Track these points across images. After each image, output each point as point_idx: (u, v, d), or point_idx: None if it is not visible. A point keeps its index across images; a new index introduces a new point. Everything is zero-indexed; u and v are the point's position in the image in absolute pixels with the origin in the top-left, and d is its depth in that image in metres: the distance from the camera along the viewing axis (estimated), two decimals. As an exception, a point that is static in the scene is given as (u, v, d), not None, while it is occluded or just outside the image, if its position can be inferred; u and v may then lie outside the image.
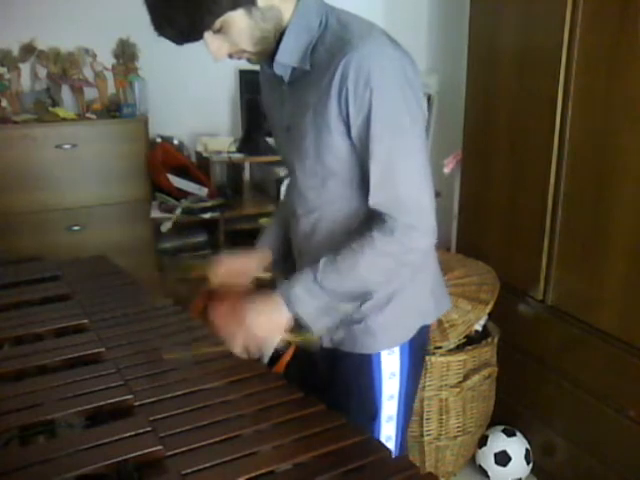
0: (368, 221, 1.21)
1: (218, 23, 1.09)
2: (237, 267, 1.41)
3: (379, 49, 1.12)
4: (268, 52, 1.19)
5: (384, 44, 1.13)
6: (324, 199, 1.26)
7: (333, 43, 1.14)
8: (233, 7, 1.07)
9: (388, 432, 1.39)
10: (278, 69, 1.20)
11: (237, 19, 1.10)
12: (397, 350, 1.34)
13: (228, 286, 1.38)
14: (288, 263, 1.44)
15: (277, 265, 1.48)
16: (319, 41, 1.17)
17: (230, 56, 1.18)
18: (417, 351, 1.39)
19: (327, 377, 1.41)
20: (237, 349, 1.23)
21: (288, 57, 1.18)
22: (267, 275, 1.43)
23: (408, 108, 1.14)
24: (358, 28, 1.15)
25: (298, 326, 1.24)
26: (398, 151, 1.15)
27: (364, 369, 1.34)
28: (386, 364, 1.34)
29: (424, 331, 1.40)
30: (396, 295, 1.29)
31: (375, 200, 1.18)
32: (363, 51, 1.10)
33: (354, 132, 1.15)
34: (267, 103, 1.36)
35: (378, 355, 1.33)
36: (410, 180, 1.17)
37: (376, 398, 1.36)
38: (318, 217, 1.29)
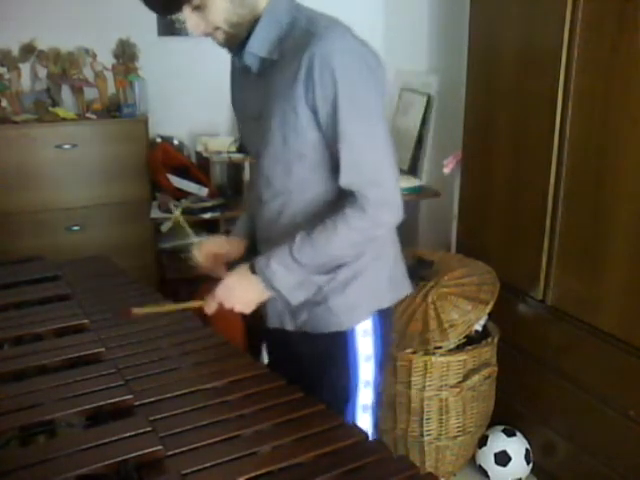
0: (340, 199, 1.27)
1: (197, 0, 1.18)
2: (216, 251, 1.50)
3: (342, 40, 1.20)
4: (239, 38, 1.26)
5: (347, 36, 1.22)
6: (290, 184, 1.32)
7: (300, 35, 1.22)
8: None
9: (363, 422, 1.42)
10: (247, 59, 1.28)
11: (216, 0, 1.19)
12: (371, 331, 1.39)
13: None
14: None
15: (250, 251, 1.52)
16: (288, 34, 1.25)
17: (207, 35, 1.26)
18: (388, 334, 1.46)
19: (301, 361, 1.45)
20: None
21: (257, 47, 1.26)
22: None
23: (370, 93, 1.23)
24: (324, 22, 1.23)
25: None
26: (364, 132, 1.23)
27: (335, 351, 1.39)
28: (362, 347, 1.39)
29: (390, 314, 1.46)
30: (355, 278, 1.35)
31: (346, 180, 1.25)
32: (327, 42, 1.18)
33: (322, 117, 1.22)
34: (235, 94, 1.44)
35: (353, 337, 1.38)
36: (378, 159, 1.25)
37: (351, 385, 1.40)
38: (283, 202, 1.34)
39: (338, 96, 1.18)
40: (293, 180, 1.31)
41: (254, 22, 1.24)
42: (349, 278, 1.35)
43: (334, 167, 1.26)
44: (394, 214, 1.28)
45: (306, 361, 1.43)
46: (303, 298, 1.33)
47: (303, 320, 1.39)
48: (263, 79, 1.29)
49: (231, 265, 1.45)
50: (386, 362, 1.49)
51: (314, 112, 1.22)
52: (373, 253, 1.36)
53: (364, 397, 1.41)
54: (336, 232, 1.24)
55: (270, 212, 1.37)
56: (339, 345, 1.38)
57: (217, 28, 1.23)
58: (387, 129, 1.27)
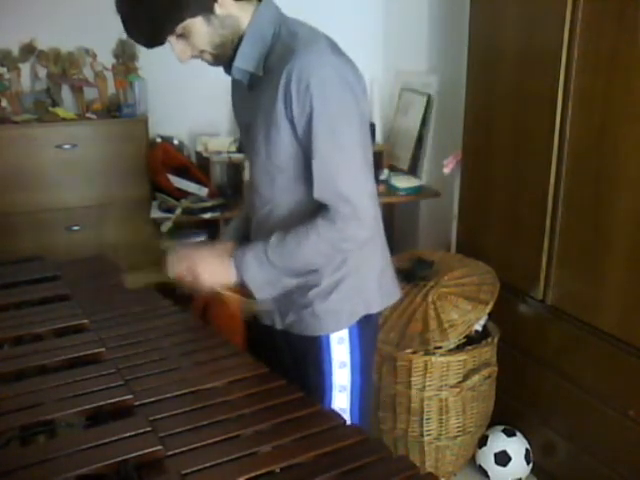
0: (317, 208, 1.31)
1: (180, 29, 1.23)
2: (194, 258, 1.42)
3: (320, 56, 1.23)
4: (226, 56, 1.30)
5: (326, 52, 1.24)
6: (275, 193, 1.37)
7: (282, 51, 1.26)
8: (192, 15, 1.21)
9: None
10: (236, 74, 1.32)
11: (197, 26, 1.23)
12: (347, 339, 1.42)
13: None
14: None
15: None
16: (272, 49, 1.28)
17: (194, 58, 1.31)
18: (368, 341, 1.46)
19: (285, 357, 1.48)
20: (183, 283, 1.37)
21: (244, 63, 1.30)
22: (259, 306, 1.44)
23: (346, 109, 1.25)
24: (304, 37, 1.26)
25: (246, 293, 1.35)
26: (338, 149, 1.26)
27: (312, 355, 1.42)
28: (336, 353, 1.42)
29: (373, 321, 1.47)
30: (340, 284, 1.39)
31: (319, 193, 1.28)
32: (305, 58, 1.21)
33: (299, 131, 1.26)
34: (234, 104, 1.47)
35: (328, 344, 1.41)
36: (350, 176, 1.28)
37: (326, 388, 1.43)
38: (271, 209, 1.39)
39: (313, 110, 1.21)
40: (277, 189, 1.36)
41: (239, 39, 1.28)
42: (332, 285, 1.39)
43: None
44: (363, 229, 1.30)
45: (287, 361, 1.47)
46: (269, 296, 1.37)
47: (290, 321, 1.43)
48: (253, 93, 1.33)
49: None
50: (370, 367, 1.51)
51: (293, 127, 1.25)
52: (357, 261, 1.39)
53: (339, 401, 1.44)
54: (307, 239, 1.29)
55: (260, 217, 1.43)
56: (315, 350, 1.42)
57: (203, 51, 1.28)
58: (363, 145, 1.29)
